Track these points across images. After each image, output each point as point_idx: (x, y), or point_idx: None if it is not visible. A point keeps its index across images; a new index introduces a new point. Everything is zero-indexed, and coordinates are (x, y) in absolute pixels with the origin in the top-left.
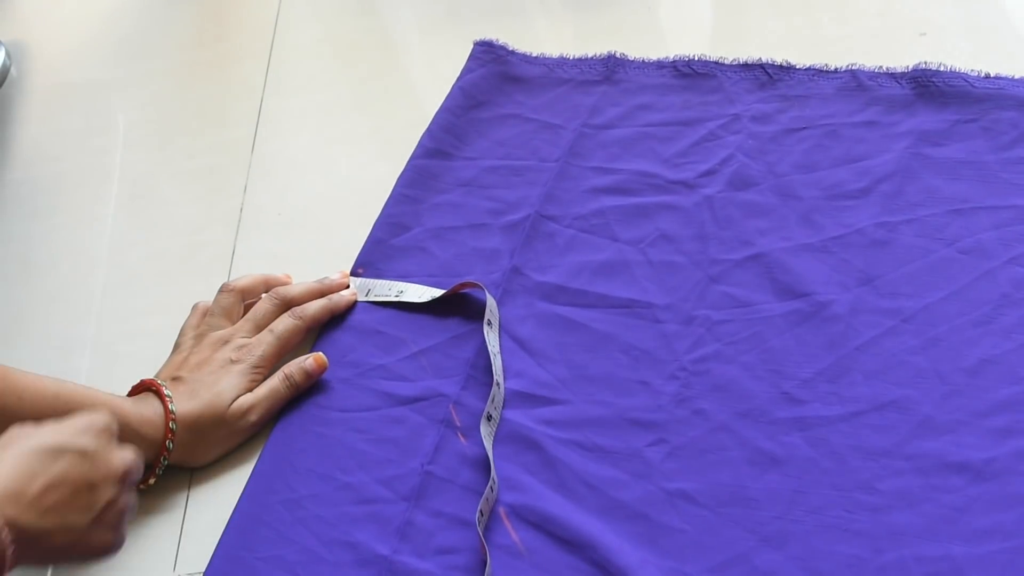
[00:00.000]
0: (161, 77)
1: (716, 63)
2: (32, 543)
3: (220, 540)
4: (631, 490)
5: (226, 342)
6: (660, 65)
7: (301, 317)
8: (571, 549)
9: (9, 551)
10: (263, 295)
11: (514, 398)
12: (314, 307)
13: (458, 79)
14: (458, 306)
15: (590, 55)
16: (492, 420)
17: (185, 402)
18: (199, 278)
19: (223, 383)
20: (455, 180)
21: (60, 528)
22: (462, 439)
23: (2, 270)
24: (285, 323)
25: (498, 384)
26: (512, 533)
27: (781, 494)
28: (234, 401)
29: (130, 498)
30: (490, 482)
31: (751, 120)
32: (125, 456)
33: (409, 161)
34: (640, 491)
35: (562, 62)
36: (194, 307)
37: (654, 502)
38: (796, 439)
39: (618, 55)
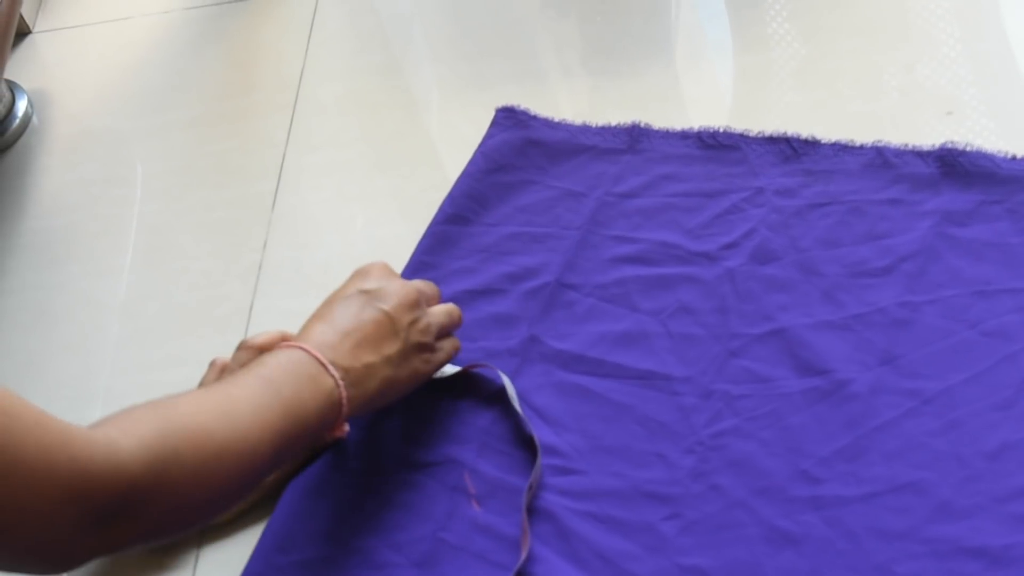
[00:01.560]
0: (183, 128)
1: (741, 135)
2: (360, 380)
3: None
4: (644, 564)
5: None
6: (684, 135)
7: None
8: None
9: (342, 387)
10: None
11: (527, 466)
12: None
13: (480, 144)
14: (470, 382)
15: (613, 123)
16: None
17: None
18: (216, 333)
19: None
20: (474, 246)
21: (381, 360)
22: (476, 506)
23: (16, 318)
24: None
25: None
26: None
27: (796, 573)
28: None
29: (433, 318)
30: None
31: (775, 194)
32: (405, 282)
33: (429, 227)
34: (653, 565)
35: (585, 129)
36: (212, 363)
37: None
38: (812, 518)
39: (642, 124)
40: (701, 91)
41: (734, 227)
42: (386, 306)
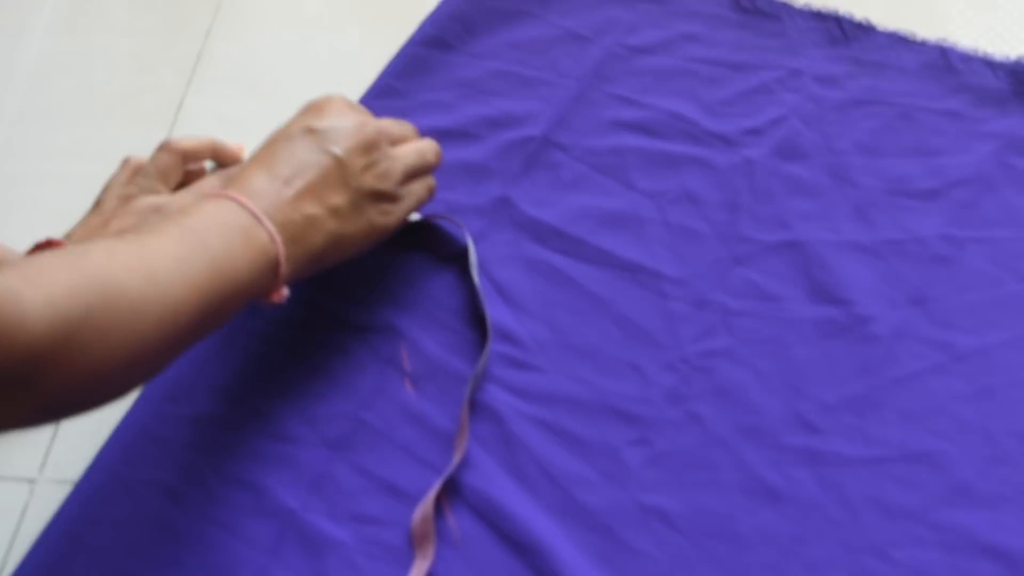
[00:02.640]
0: None
1: (783, 3)
2: (301, 236)
3: (101, 449)
4: (599, 494)
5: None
6: None
7: None
8: (514, 549)
9: (279, 243)
10: (208, 166)
11: (477, 351)
12: None
13: None
14: (430, 234)
15: None
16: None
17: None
18: (136, 126)
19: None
20: (453, 78)
21: (325, 212)
22: (409, 387)
23: None
24: None
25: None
26: (449, 515)
27: (775, 538)
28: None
29: (397, 161)
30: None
31: (814, 80)
32: (371, 119)
33: (404, 47)
34: (609, 498)
35: None
36: (124, 161)
37: (624, 514)
38: (804, 475)
39: None
40: None
41: (760, 110)
42: (336, 148)
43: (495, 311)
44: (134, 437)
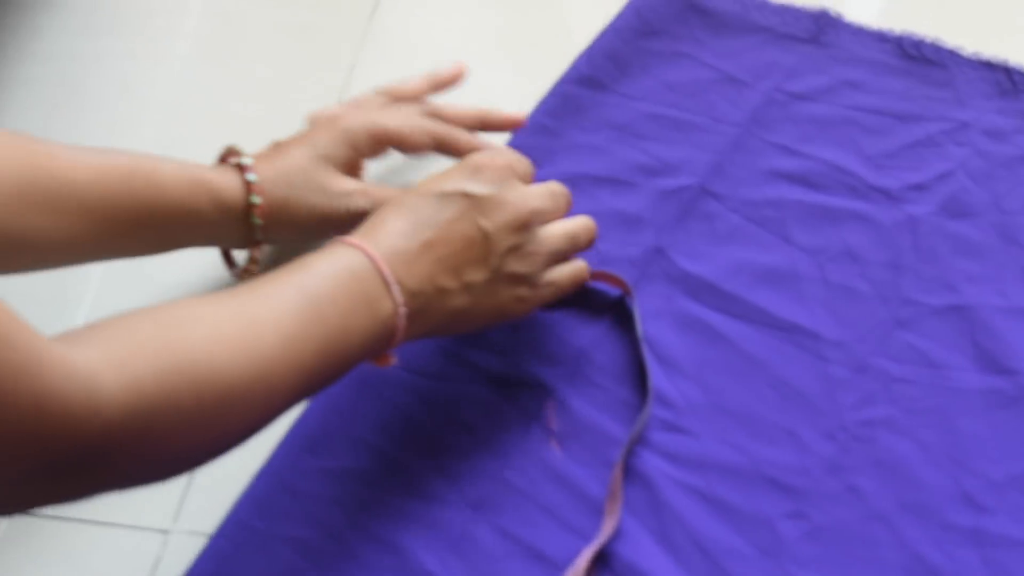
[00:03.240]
0: None
1: (951, 52)
2: (427, 308)
3: (236, 502)
4: (752, 567)
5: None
6: (882, 37)
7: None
8: None
9: (402, 316)
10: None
11: (626, 410)
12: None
13: None
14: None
15: (798, 4)
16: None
17: (267, 160)
18: None
19: (320, 140)
20: (606, 119)
21: (458, 287)
22: (555, 447)
23: (42, 93)
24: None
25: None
26: None
27: None
28: (336, 176)
29: (545, 244)
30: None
31: (982, 134)
32: (527, 195)
33: (556, 85)
34: (764, 573)
35: (762, 5)
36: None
37: None
38: (969, 555)
39: (832, 13)
40: None
41: (926, 164)
42: (487, 222)
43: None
44: (270, 490)
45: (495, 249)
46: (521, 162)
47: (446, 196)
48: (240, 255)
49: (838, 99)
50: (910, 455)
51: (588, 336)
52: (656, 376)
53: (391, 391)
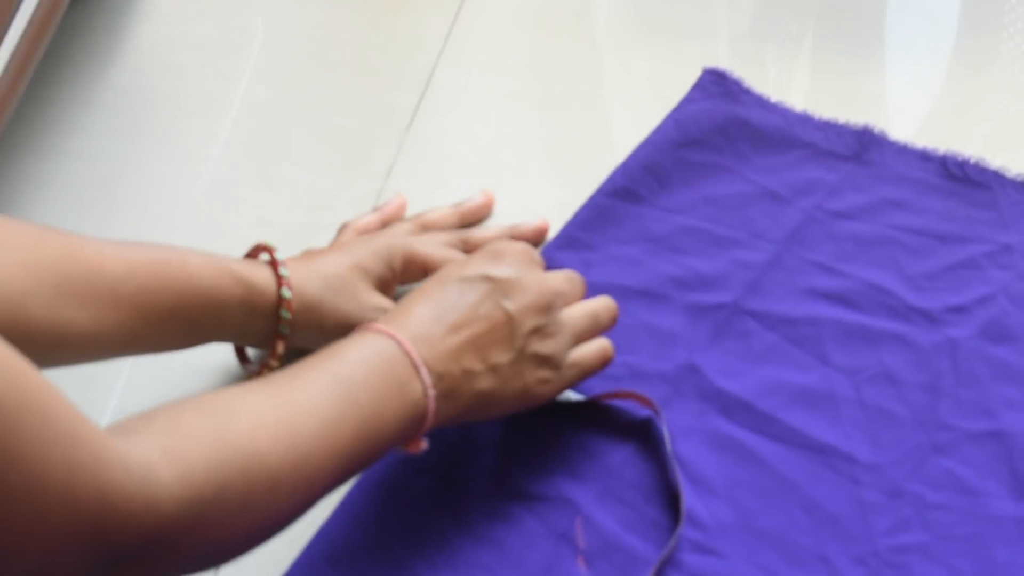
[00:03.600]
0: (321, 3)
1: (995, 173)
2: (455, 390)
3: None
4: None
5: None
6: (925, 157)
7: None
8: None
9: (431, 398)
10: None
11: (655, 530)
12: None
13: (675, 109)
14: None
15: (841, 120)
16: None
17: (301, 261)
18: None
19: (357, 252)
20: (642, 232)
21: (484, 369)
22: (582, 566)
23: (78, 190)
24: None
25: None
26: None
27: None
28: (369, 289)
29: (567, 325)
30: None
31: None
32: (547, 278)
33: (592, 197)
34: None
35: (805, 120)
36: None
37: None
38: None
39: (876, 130)
40: (953, 106)
41: (967, 286)
42: (510, 304)
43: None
44: None
45: (519, 330)
46: (534, 250)
47: (469, 280)
48: (254, 353)
49: (879, 218)
50: None
51: (618, 454)
52: (687, 495)
53: (414, 499)
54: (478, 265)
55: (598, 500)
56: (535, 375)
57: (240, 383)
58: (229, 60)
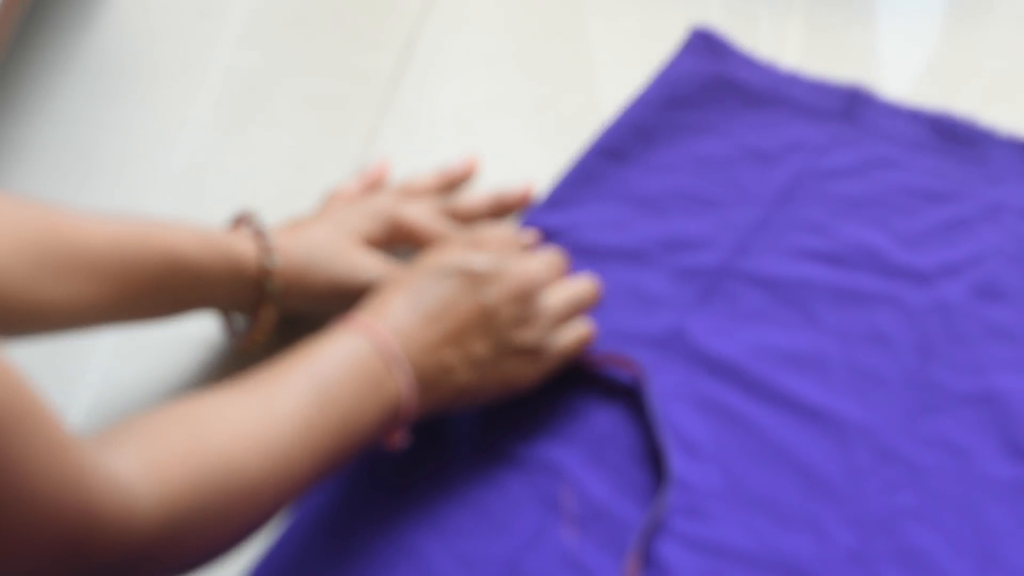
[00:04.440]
0: None
1: (985, 132)
2: (433, 384)
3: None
4: None
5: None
6: (914, 116)
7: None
8: None
9: (407, 393)
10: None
11: (643, 493)
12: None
13: (662, 70)
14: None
15: (830, 79)
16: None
17: (285, 229)
18: None
19: (343, 213)
20: (629, 193)
21: (463, 361)
22: (570, 531)
23: (54, 156)
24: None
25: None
26: None
27: None
28: (357, 247)
29: (549, 308)
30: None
31: (1016, 215)
32: (526, 265)
33: (578, 158)
34: None
35: (793, 80)
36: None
37: None
38: None
39: (865, 89)
40: (949, 59)
41: (957, 244)
42: (488, 295)
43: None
44: (282, 566)
45: (497, 321)
46: (521, 234)
47: (446, 272)
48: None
49: (868, 177)
50: (935, 546)
51: (605, 418)
52: (675, 459)
53: (402, 465)
54: (456, 256)
55: (587, 465)
56: (515, 365)
57: (219, 388)
58: (208, 24)
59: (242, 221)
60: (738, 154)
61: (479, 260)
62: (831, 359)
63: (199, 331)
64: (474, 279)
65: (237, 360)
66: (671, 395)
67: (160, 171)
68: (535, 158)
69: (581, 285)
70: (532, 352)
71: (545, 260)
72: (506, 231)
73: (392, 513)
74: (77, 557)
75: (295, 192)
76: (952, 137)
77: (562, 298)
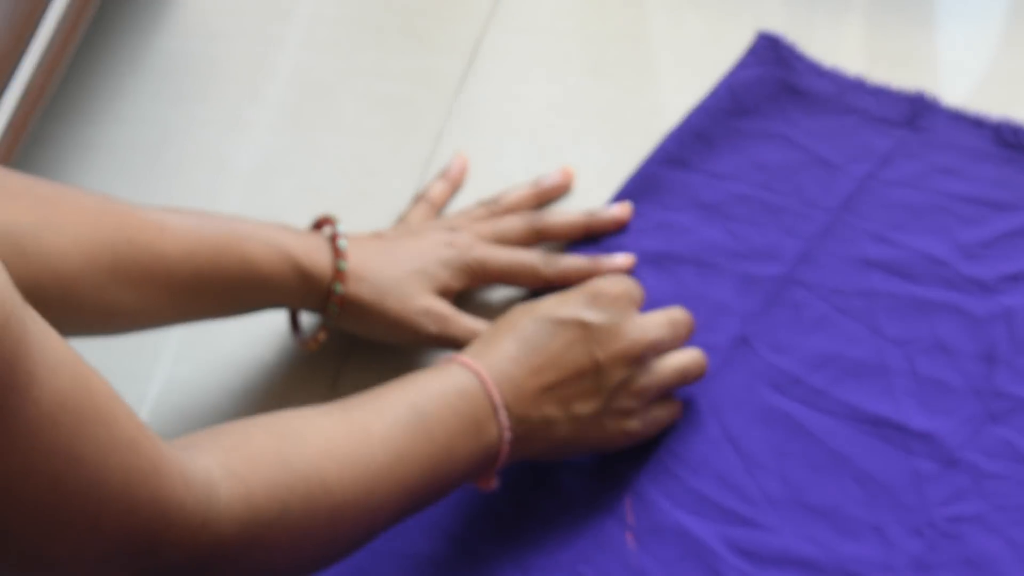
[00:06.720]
0: None
1: None
2: (531, 435)
3: None
4: None
5: (450, 229)
6: (979, 124)
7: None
8: None
9: (506, 441)
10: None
11: (704, 505)
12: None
13: (727, 75)
14: None
15: (894, 86)
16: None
17: (363, 251)
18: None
19: (425, 257)
20: (692, 199)
21: (564, 416)
22: (631, 543)
23: (125, 157)
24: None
25: None
26: None
27: None
28: (424, 294)
29: (655, 377)
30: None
31: None
32: (645, 326)
33: (642, 164)
34: None
35: (857, 86)
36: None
37: None
38: None
39: (929, 96)
40: (1011, 67)
41: (1021, 255)
42: (601, 353)
43: (725, 462)
44: (347, 573)
45: (606, 382)
46: (637, 289)
47: (561, 322)
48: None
49: (930, 185)
50: (1001, 554)
51: (673, 432)
52: (735, 468)
53: None
54: (574, 306)
55: (651, 478)
56: (616, 427)
57: (314, 406)
58: (276, 25)
59: (324, 224)
60: (802, 161)
61: (596, 315)
62: (894, 369)
63: (268, 326)
64: (589, 334)
65: (303, 358)
66: (731, 405)
67: (226, 172)
68: (598, 163)
69: (692, 357)
70: (635, 417)
71: (667, 319)
72: (627, 284)
73: (457, 519)
74: (148, 552)
75: (361, 193)
76: (1016, 145)
77: (672, 369)
